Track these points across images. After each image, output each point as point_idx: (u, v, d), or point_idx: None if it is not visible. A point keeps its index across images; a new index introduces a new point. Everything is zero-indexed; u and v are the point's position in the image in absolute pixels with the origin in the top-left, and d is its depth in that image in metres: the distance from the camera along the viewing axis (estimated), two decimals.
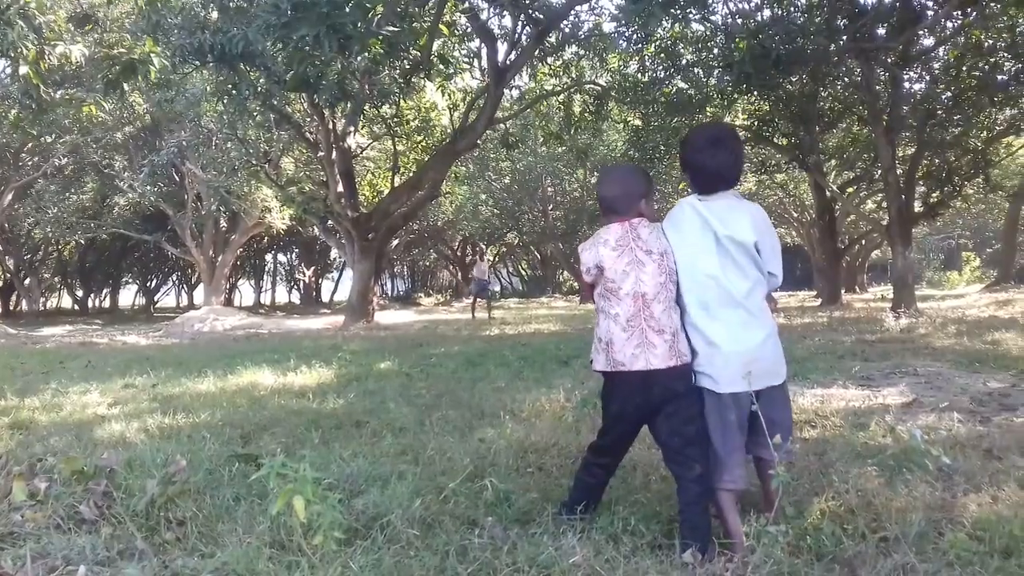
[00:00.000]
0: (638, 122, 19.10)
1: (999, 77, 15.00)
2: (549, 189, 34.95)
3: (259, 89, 14.78)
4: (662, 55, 16.88)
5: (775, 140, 19.21)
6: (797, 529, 2.93)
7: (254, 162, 22.53)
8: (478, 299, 21.71)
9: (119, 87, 10.49)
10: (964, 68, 15.40)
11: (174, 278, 50.95)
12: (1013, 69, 14.99)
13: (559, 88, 20.09)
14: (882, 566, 2.64)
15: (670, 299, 2.97)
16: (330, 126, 17.69)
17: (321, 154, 18.44)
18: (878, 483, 3.44)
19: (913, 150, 17.18)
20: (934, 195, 17.28)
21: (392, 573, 2.66)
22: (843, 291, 24.31)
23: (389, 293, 48.60)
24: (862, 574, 2.61)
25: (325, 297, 50.02)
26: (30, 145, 26.56)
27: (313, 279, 47.23)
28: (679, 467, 2.96)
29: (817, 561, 2.75)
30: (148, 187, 24.39)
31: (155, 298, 49.38)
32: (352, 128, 18.77)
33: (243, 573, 2.52)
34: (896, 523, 3.00)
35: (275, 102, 16.52)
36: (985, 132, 17.27)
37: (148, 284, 48.05)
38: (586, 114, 19.60)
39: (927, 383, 6.72)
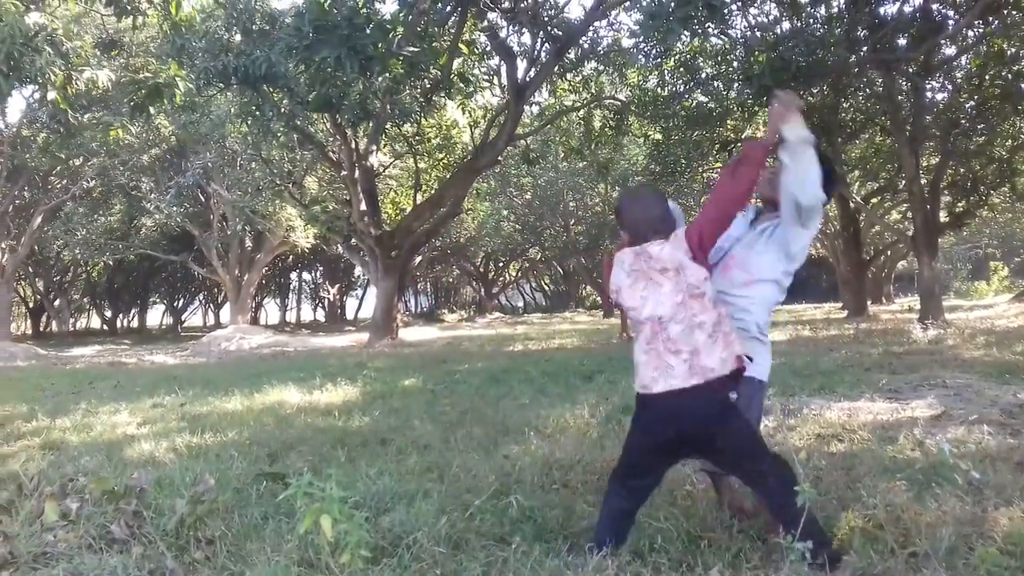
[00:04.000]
0: (659, 136, 19.11)
1: (1022, 85, 14.86)
2: (571, 204, 34.96)
3: (282, 110, 14.99)
4: (681, 69, 16.90)
5: None
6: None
7: (278, 182, 22.78)
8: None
9: (145, 110, 10.67)
10: (987, 77, 15.29)
11: (201, 298, 51.47)
12: None
13: (579, 104, 20.16)
14: None
15: (691, 318, 2.84)
16: (352, 145, 17.86)
17: (344, 173, 18.61)
18: (907, 498, 3.40)
19: (937, 160, 17.03)
20: (959, 205, 17.12)
21: None
22: (869, 303, 24.08)
23: (413, 310, 48.74)
24: None
25: (350, 314, 50.30)
26: (59, 168, 27.01)
27: (337, 297, 47.51)
28: (756, 490, 3.00)
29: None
30: (174, 208, 24.72)
31: (182, 317, 49.85)
32: (374, 147, 18.93)
33: None
34: (926, 538, 2.96)
35: (298, 123, 16.71)
36: (1010, 140, 17.10)
37: (175, 304, 48.54)
38: (606, 129, 19.65)
39: (956, 395, 6.64)
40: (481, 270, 45.79)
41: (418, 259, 33.88)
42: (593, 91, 19.70)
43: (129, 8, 10.29)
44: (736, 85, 15.77)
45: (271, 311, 55.81)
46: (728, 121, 17.77)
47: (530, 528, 3.34)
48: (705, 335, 2.83)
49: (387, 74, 12.14)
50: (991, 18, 13.36)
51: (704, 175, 23.57)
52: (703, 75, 16.90)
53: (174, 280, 44.24)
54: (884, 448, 4.59)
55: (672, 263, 2.87)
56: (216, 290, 45.22)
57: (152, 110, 11.07)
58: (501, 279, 48.97)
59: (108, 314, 46.03)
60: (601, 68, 18.79)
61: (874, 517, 3.15)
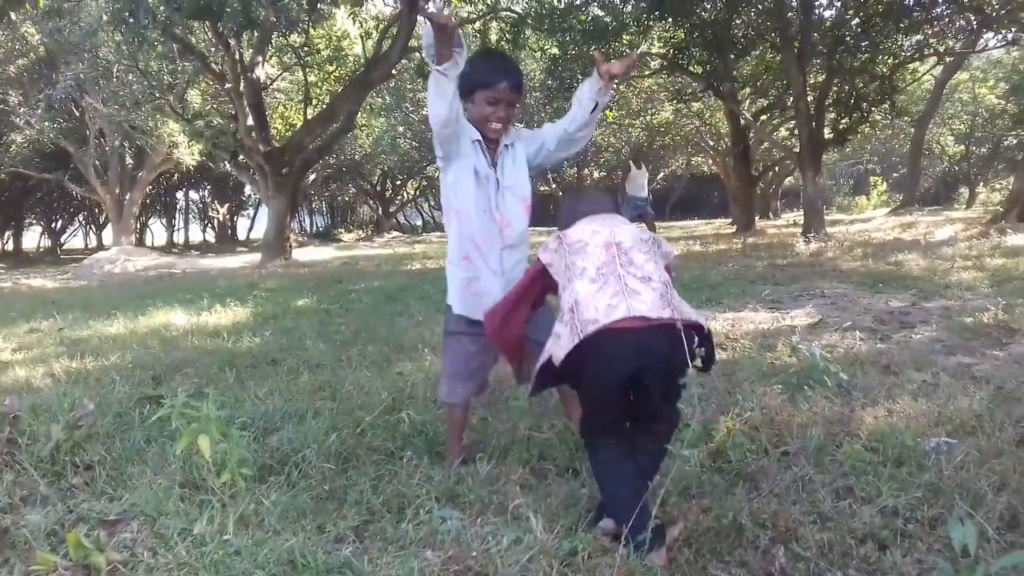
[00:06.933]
0: (555, 50, 18.92)
1: (905, 2, 15.28)
2: None
3: (158, 17, 14.06)
4: None
5: (690, 68, 19.27)
6: (707, 448, 3.03)
7: (158, 95, 21.56)
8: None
9: (6, 16, 9.88)
10: None
11: (80, 219, 48.83)
12: None
13: (475, 15, 19.68)
14: (782, 478, 2.76)
15: (655, 256, 2.45)
16: (236, 56, 16.99)
17: (228, 86, 17.73)
18: (781, 400, 3.57)
19: (824, 77, 17.46)
20: (843, 121, 17.67)
21: (306, 506, 2.66)
22: (757, 218, 24.89)
23: (308, 230, 47.65)
24: (764, 487, 2.72)
25: (241, 235, 48.80)
26: None
27: (227, 217, 45.97)
28: (646, 440, 2.50)
29: (719, 474, 2.86)
30: (46, 123, 23.19)
31: (61, 240, 47.32)
32: (260, 58, 18.07)
33: (152, 513, 2.48)
34: (797, 437, 3.13)
35: (177, 31, 15.74)
36: (891, 58, 17.62)
37: (53, 225, 45.95)
38: (503, 42, 19.27)
39: (833, 304, 6.99)
40: (378, 189, 44.91)
41: (311, 177, 32.97)
42: (489, 3, 19.25)
43: None
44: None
45: (157, 232, 53.54)
46: (624, 36, 17.71)
47: (421, 442, 3.36)
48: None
49: None
50: None
51: None
52: None
53: (50, 200, 41.73)
54: (763, 355, 4.80)
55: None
56: (97, 210, 42.88)
57: (14, 16, 10.28)
58: (399, 198, 48.21)
59: None
60: None
61: (750, 420, 3.30)
